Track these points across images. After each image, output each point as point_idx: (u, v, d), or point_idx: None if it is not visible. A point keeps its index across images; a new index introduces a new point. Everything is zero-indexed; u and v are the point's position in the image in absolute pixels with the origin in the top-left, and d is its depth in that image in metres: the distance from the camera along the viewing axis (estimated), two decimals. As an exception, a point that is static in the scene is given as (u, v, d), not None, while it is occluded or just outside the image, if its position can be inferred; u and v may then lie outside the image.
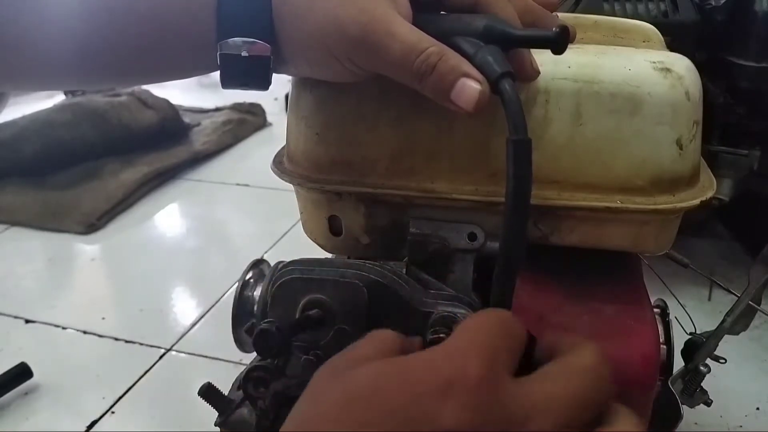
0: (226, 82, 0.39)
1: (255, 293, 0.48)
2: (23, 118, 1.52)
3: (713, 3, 0.77)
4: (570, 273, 0.44)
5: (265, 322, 0.35)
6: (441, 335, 0.35)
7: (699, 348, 0.52)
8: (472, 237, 0.43)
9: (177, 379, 0.81)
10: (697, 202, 0.42)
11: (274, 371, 0.37)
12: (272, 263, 0.46)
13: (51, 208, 1.29)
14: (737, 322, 0.51)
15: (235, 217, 1.33)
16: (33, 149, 1.43)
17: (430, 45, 0.34)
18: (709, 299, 0.97)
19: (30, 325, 0.93)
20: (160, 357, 0.85)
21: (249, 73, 0.38)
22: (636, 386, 0.40)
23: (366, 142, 0.43)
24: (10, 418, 0.75)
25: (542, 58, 0.40)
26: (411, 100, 0.41)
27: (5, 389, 0.77)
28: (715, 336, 0.52)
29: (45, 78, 0.39)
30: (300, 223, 0.50)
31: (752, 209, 1.06)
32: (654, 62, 0.41)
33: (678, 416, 0.49)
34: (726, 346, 0.85)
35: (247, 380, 0.37)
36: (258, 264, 0.49)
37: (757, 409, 0.75)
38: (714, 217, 1.17)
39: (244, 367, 0.41)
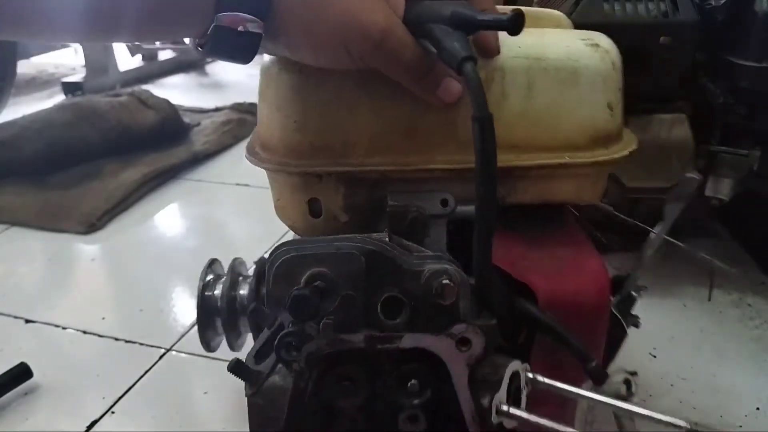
0: (212, 52, 0.39)
1: (216, 292, 0.52)
2: (23, 118, 1.52)
3: (713, 3, 0.77)
4: (525, 228, 0.52)
5: (298, 289, 0.39)
6: (444, 282, 0.40)
7: (626, 280, 0.58)
8: (445, 203, 0.48)
9: (177, 379, 0.81)
10: (626, 152, 0.50)
11: (304, 336, 0.39)
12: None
13: (51, 208, 1.29)
14: (654, 255, 0.59)
15: (235, 217, 1.33)
16: (33, 149, 1.43)
17: (424, 52, 0.40)
18: (709, 299, 0.97)
19: (30, 325, 0.93)
20: (160, 357, 0.85)
21: (238, 47, 0.39)
22: (594, 309, 0.47)
23: (346, 127, 0.47)
24: (10, 418, 0.75)
25: None
26: (388, 86, 0.45)
27: (5, 389, 0.77)
28: (639, 268, 0.59)
29: (45, 29, 0.38)
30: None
31: (752, 209, 1.06)
32: (584, 39, 0.48)
33: (623, 334, 0.57)
34: (726, 346, 0.86)
35: (280, 347, 0.40)
36: (211, 264, 0.52)
37: (757, 409, 0.75)
38: (714, 217, 1.17)
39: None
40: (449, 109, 0.46)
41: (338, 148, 0.47)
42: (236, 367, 0.41)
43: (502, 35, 0.46)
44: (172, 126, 1.69)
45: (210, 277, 0.54)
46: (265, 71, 0.49)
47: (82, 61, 2.36)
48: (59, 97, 2.21)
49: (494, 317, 0.41)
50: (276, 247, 0.42)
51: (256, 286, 0.50)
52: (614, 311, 0.56)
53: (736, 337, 0.88)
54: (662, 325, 0.90)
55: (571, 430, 0.37)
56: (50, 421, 0.74)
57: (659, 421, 0.39)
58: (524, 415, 0.38)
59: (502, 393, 0.38)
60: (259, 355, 0.44)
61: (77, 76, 2.26)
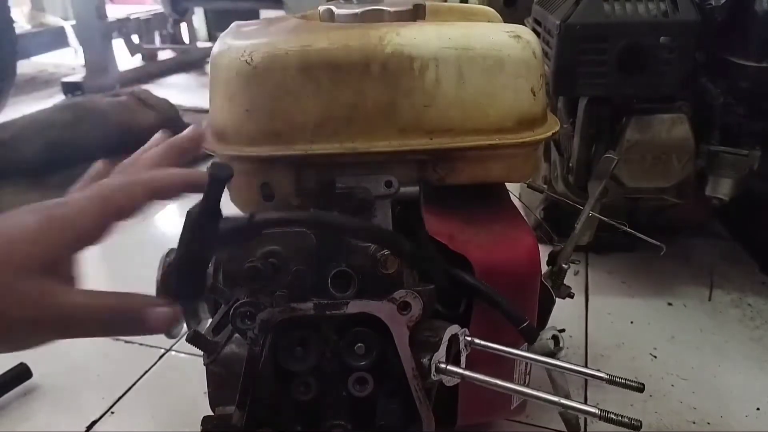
0: None
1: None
2: (23, 118, 1.51)
3: (713, 3, 0.77)
4: (464, 205, 0.56)
5: (251, 261, 0.42)
6: (386, 253, 0.44)
7: (558, 254, 0.63)
8: (389, 184, 0.52)
9: (177, 379, 0.81)
10: (549, 134, 0.54)
11: (258, 305, 0.43)
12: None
13: (51, 208, 1.29)
14: (583, 232, 0.64)
15: (235, 217, 1.33)
16: (33, 149, 1.42)
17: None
18: (710, 299, 0.97)
19: (30, 325, 0.93)
20: (160, 357, 0.85)
21: None
22: (527, 276, 0.53)
23: (292, 113, 0.50)
24: (10, 418, 0.75)
25: (427, 32, 0.51)
26: (328, 75, 0.49)
27: (5, 389, 0.77)
28: (570, 243, 0.63)
29: None
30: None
31: (752, 209, 1.06)
32: (508, 31, 0.53)
33: (552, 300, 0.60)
34: (726, 346, 0.86)
35: (235, 316, 0.43)
36: (170, 254, 0.53)
37: (757, 409, 0.74)
38: (714, 217, 1.17)
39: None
40: (387, 96, 0.50)
41: (286, 133, 0.51)
42: (194, 338, 0.43)
43: (433, 27, 0.53)
44: (172, 126, 1.69)
45: (168, 263, 0.54)
46: (214, 63, 0.52)
47: (82, 61, 2.36)
48: (59, 97, 2.20)
49: (432, 284, 0.45)
50: None
51: (213, 267, 0.51)
52: (545, 281, 0.60)
53: (736, 337, 0.88)
54: (662, 325, 0.90)
55: (509, 384, 0.42)
56: (50, 421, 0.74)
57: (580, 372, 0.44)
58: (461, 371, 0.42)
59: (441, 352, 0.43)
60: (216, 328, 0.47)
61: (77, 76, 2.26)
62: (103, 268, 1.14)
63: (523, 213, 0.60)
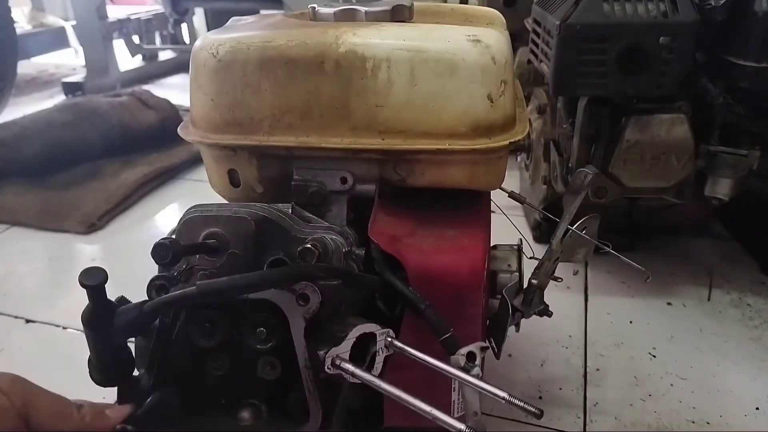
0: None
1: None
2: (23, 118, 1.52)
3: (713, 3, 0.77)
4: (431, 208, 0.56)
5: (162, 239, 0.44)
6: (307, 246, 0.45)
7: (536, 269, 0.62)
8: (344, 180, 0.54)
9: (177, 379, 0.81)
10: (506, 143, 0.52)
11: (172, 280, 0.45)
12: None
13: (51, 208, 1.29)
14: (562, 247, 0.61)
15: (235, 217, 1.33)
16: (33, 149, 1.43)
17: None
18: (709, 299, 0.97)
19: (30, 325, 0.93)
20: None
21: None
22: (467, 288, 0.51)
23: (251, 105, 0.52)
24: (10, 417, 0.75)
25: (385, 32, 0.51)
26: (285, 70, 0.51)
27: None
28: (547, 258, 0.61)
29: None
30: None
31: (752, 209, 1.06)
32: (469, 35, 0.51)
33: (507, 313, 0.59)
34: (726, 346, 0.86)
35: (151, 287, 0.45)
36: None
37: (757, 409, 0.75)
38: (714, 217, 1.17)
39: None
40: (339, 94, 0.51)
41: (247, 124, 0.53)
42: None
43: (394, 28, 0.53)
44: (172, 126, 1.67)
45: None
46: (193, 54, 0.55)
47: (83, 62, 2.37)
48: (59, 98, 2.21)
49: (338, 280, 0.46)
50: (188, 209, 0.48)
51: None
52: (504, 295, 0.60)
53: (735, 337, 0.88)
54: (662, 325, 0.90)
55: (398, 392, 0.41)
56: (50, 420, 0.74)
57: (482, 389, 0.43)
58: (353, 369, 0.43)
59: (344, 348, 0.44)
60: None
61: (77, 77, 2.26)
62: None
63: (523, 209, 0.60)
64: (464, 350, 0.45)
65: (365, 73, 0.51)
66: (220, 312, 0.47)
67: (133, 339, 0.47)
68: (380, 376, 0.44)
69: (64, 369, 0.83)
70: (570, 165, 0.90)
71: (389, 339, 0.46)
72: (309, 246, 0.45)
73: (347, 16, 0.57)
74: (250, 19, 0.64)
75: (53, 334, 0.90)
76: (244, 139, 0.53)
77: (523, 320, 0.64)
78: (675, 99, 0.83)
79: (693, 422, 0.73)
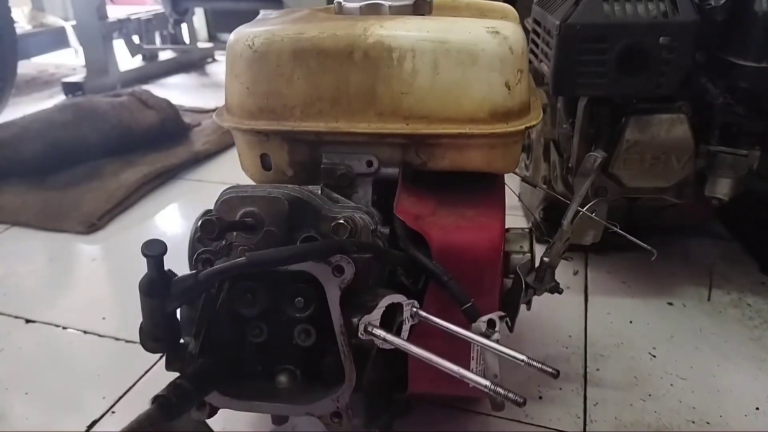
0: None
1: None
2: (23, 118, 1.52)
3: (713, 3, 0.77)
4: (449, 191, 0.60)
5: (209, 216, 0.48)
6: (340, 222, 0.49)
7: (547, 249, 0.66)
8: (370, 164, 0.58)
9: (177, 379, 0.81)
10: (522, 127, 0.56)
11: (216, 253, 0.50)
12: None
13: (51, 208, 1.29)
14: (572, 228, 0.65)
15: (235, 217, 1.33)
16: (33, 149, 1.43)
17: None
18: (709, 299, 0.97)
19: (30, 325, 0.93)
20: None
21: None
22: (486, 262, 0.55)
23: (284, 92, 0.57)
24: (10, 418, 0.75)
25: (409, 25, 0.56)
26: (316, 60, 0.55)
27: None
28: (559, 238, 0.65)
29: None
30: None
31: (752, 209, 1.06)
32: (488, 27, 0.55)
33: (520, 288, 0.62)
34: (726, 346, 0.86)
35: (197, 261, 0.50)
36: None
37: (757, 409, 0.75)
38: (714, 217, 1.17)
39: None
40: (367, 82, 0.55)
41: (279, 110, 0.57)
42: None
43: (418, 20, 0.57)
44: (172, 126, 1.69)
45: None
46: (228, 46, 0.59)
47: (83, 62, 2.37)
48: (60, 98, 2.21)
49: (369, 254, 0.50)
50: (224, 191, 0.51)
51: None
52: (518, 271, 0.63)
53: (735, 337, 0.88)
54: (662, 325, 0.90)
55: (430, 355, 0.45)
56: (50, 421, 0.74)
57: (502, 352, 0.48)
58: (384, 334, 0.46)
59: (375, 316, 0.47)
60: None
61: (77, 77, 2.26)
62: (104, 268, 1.14)
63: (523, 209, 0.63)
64: (485, 318, 0.50)
65: (391, 62, 0.55)
66: (261, 284, 0.51)
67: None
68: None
69: (64, 369, 0.83)
70: (570, 165, 0.90)
71: (414, 309, 0.50)
72: (342, 221, 0.49)
73: (372, 10, 0.62)
74: (276, 13, 0.69)
75: (53, 334, 0.90)
76: (277, 125, 0.57)
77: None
78: (675, 99, 0.83)
79: (693, 422, 0.73)
